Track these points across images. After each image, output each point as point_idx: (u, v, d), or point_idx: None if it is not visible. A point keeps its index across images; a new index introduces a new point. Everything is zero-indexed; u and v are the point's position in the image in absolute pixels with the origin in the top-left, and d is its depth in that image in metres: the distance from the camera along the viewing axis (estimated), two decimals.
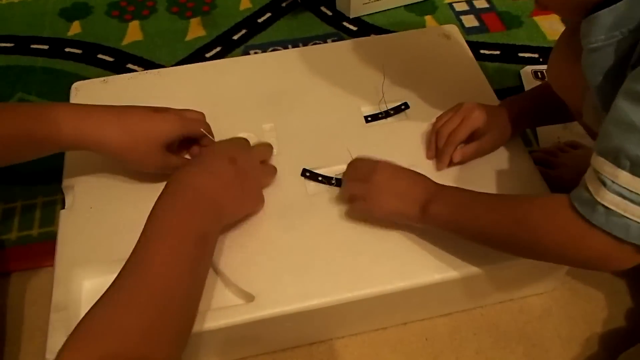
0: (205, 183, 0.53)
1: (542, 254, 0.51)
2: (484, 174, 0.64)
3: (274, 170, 0.63)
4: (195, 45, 0.95)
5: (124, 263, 0.57)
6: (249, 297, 0.55)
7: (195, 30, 0.98)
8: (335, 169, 0.65)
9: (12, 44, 0.96)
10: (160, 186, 0.63)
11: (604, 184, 0.44)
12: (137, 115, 0.59)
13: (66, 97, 0.73)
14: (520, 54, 0.92)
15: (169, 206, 0.51)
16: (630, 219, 0.43)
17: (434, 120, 0.68)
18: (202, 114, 0.65)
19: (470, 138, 0.64)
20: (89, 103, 0.71)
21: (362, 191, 0.57)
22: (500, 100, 0.71)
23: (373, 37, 0.85)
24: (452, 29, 0.81)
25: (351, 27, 0.98)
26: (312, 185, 0.64)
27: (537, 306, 0.65)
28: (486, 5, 1.02)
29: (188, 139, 0.64)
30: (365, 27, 0.98)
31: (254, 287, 0.55)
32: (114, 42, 0.96)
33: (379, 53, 0.77)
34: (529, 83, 0.86)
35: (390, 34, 0.87)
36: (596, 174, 0.44)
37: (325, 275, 0.56)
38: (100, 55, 0.94)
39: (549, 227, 0.48)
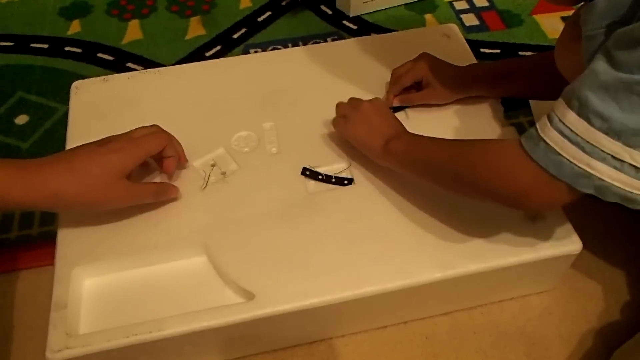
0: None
1: (474, 179, 0.51)
2: None
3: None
4: (195, 44, 0.95)
5: (123, 261, 0.58)
6: (249, 296, 0.55)
7: (195, 29, 0.98)
8: (336, 168, 0.65)
9: (11, 43, 0.96)
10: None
11: (550, 121, 0.46)
12: (83, 155, 0.54)
13: (66, 96, 0.73)
14: (521, 53, 0.92)
15: None
16: (565, 158, 0.44)
17: (433, 119, 0.69)
18: (156, 126, 0.61)
19: (419, 86, 0.70)
20: (89, 102, 0.72)
21: (347, 112, 0.64)
22: (501, 100, 0.71)
23: (373, 36, 0.85)
24: (452, 28, 0.81)
25: (351, 25, 0.98)
26: (312, 183, 0.64)
27: (537, 305, 0.65)
28: (486, 3, 1.02)
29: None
30: (365, 26, 0.98)
31: (254, 286, 0.55)
32: (113, 40, 0.96)
33: (379, 52, 0.77)
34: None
35: (390, 33, 0.87)
36: (549, 113, 0.46)
37: (326, 273, 0.56)
38: (100, 54, 0.94)
39: (489, 155, 0.51)
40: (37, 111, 0.85)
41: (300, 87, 0.74)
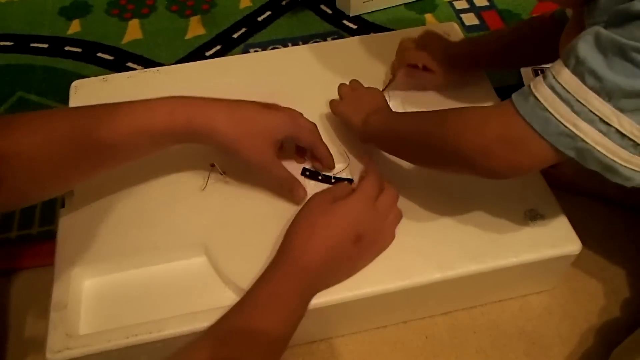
0: (319, 265, 0.51)
1: (454, 136, 0.49)
2: None
3: (399, 218, 0.58)
4: (195, 43, 0.95)
5: (123, 261, 0.58)
6: None
7: (195, 29, 0.98)
8: (335, 168, 0.65)
9: (11, 43, 0.96)
10: (161, 184, 0.63)
11: (544, 78, 0.45)
12: (245, 107, 0.58)
13: (66, 95, 0.73)
14: None
15: (275, 282, 0.51)
16: (552, 114, 0.44)
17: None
18: (314, 124, 0.63)
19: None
20: (89, 101, 0.71)
21: (344, 94, 0.68)
22: (501, 99, 0.71)
23: (373, 35, 0.85)
24: (452, 27, 0.81)
25: (351, 25, 0.98)
26: (312, 184, 0.64)
27: (537, 304, 0.65)
28: (486, 3, 1.02)
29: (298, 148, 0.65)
30: (365, 25, 0.98)
31: None
32: (113, 40, 0.96)
33: (379, 51, 0.77)
34: (530, 81, 0.86)
35: (390, 32, 0.87)
36: (545, 71, 0.46)
37: None
38: (100, 54, 0.94)
39: (473, 111, 0.50)
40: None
41: (300, 86, 0.73)
